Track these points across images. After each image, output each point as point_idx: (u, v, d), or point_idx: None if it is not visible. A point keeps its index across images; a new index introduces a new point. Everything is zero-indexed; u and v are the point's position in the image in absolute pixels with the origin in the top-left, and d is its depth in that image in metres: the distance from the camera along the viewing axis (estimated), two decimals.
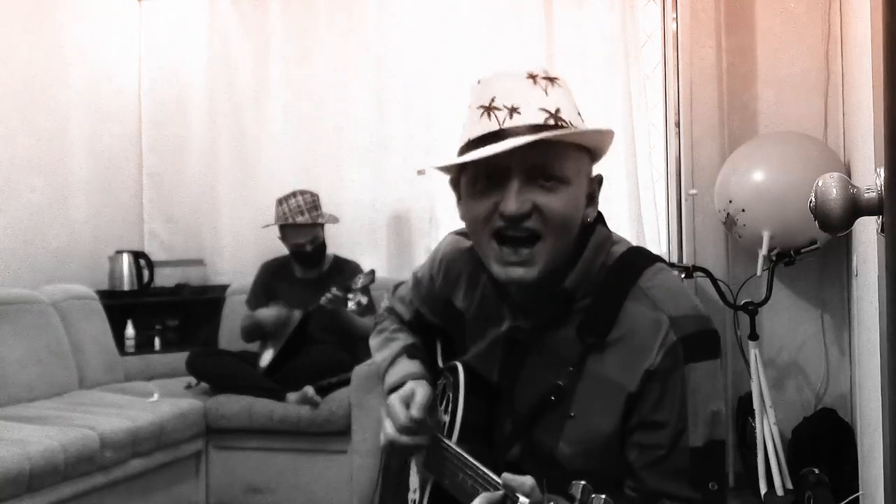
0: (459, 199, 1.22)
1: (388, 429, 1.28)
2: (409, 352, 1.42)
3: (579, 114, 1.16)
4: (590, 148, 1.17)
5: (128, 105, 4.38)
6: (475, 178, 1.14)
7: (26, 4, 3.79)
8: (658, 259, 1.20)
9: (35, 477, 2.51)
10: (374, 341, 1.52)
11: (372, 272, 3.47)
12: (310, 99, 4.20)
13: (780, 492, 2.84)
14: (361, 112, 4.12)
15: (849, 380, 3.42)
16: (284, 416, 3.30)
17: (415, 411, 1.25)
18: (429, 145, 4.00)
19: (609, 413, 1.11)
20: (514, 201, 1.09)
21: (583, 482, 0.89)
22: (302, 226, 3.59)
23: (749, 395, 3.03)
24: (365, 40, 4.12)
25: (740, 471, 3.41)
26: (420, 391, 1.28)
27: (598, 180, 1.21)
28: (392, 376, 1.38)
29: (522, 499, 0.94)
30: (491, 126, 1.11)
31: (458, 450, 1.18)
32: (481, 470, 1.08)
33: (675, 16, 3.49)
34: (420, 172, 3.99)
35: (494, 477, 1.02)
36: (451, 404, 1.27)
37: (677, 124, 3.49)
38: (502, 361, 1.25)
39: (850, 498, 2.72)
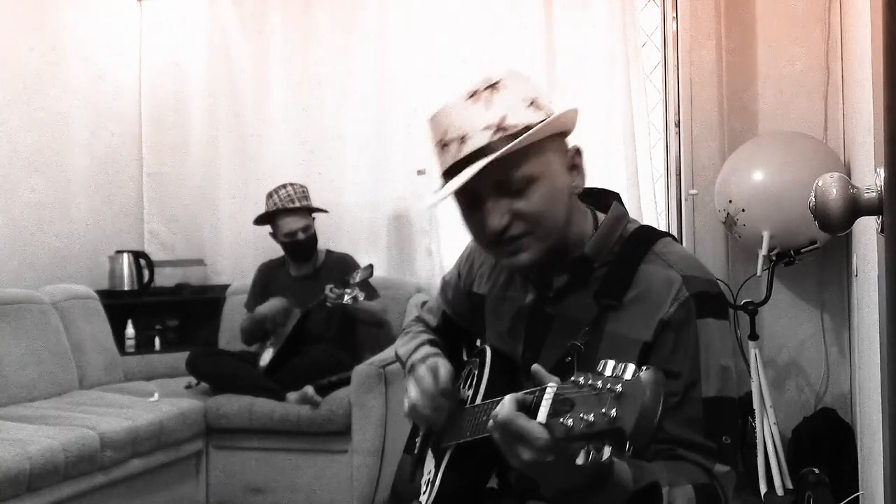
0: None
1: (413, 395, 1.33)
2: (432, 343, 1.49)
3: (533, 102, 1.18)
4: (553, 132, 1.20)
5: (128, 105, 4.38)
6: (461, 207, 1.23)
7: (26, 4, 3.79)
8: (671, 235, 1.29)
9: (35, 477, 2.52)
10: (399, 341, 1.59)
11: (370, 266, 3.47)
12: (310, 98, 4.20)
13: (780, 492, 2.84)
14: (361, 112, 4.12)
15: (849, 380, 3.41)
16: (284, 415, 3.30)
17: (442, 376, 1.31)
18: (429, 145, 3.99)
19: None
20: (491, 219, 1.17)
21: (612, 360, 0.89)
22: (293, 212, 3.61)
23: (749, 395, 3.03)
24: (365, 40, 4.12)
25: (740, 471, 3.41)
26: (443, 365, 1.34)
27: (576, 150, 1.25)
28: (416, 356, 1.43)
29: (549, 387, 0.95)
30: (448, 160, 1.19)
31: (481, 401, 1.24)
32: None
33: (675, 16, 3.49)
34: (420, 172, 4.00)
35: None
36: (475, 380, 1.32)
37: (677, 124, 3.49)
38: (527, 334, 1.30)
39: (850, 498, 2.72)
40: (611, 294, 1.19)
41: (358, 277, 3.39)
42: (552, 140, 1.20)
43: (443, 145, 1.20)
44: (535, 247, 1.19)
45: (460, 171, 1.16)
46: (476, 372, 1.33)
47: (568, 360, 1.18)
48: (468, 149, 1.15)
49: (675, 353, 1.14)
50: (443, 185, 1.22)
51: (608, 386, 0.86)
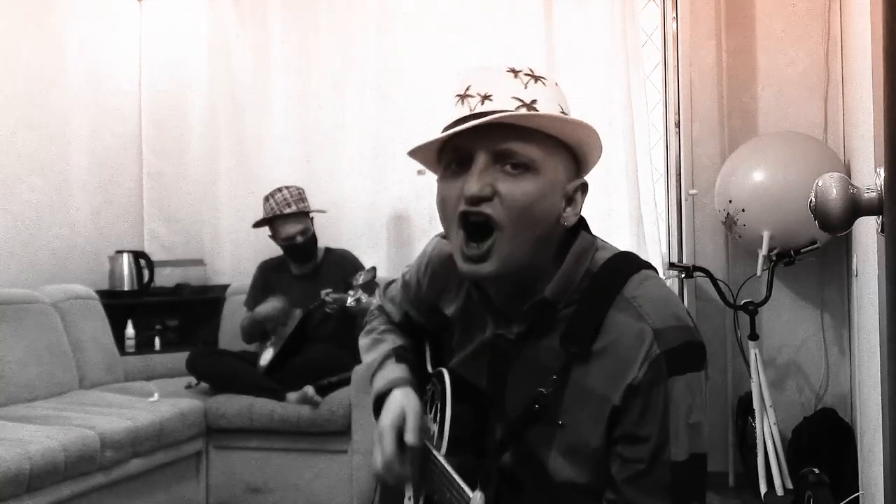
0: None
1: (380, 460, 1.27)
2: (398, 354, 1.41)
3: (564, 112, 1.14)
4: (571, 146, 1.15)
5: (128, 105, 4.38)
6: (448, 164, 1.14)
7: (26, 4, 3.79)
8: (646, 265, 1.17)
9: (35, 477, 2.51)
10: (363, 341, 1.52)
11: (373, 269, 3.47)
12: (310, 98, 4.20)
13: (780, 492, 2.84)
14: (361, 112, 4.12)
15: (849, 380, 3.42)
16: (284, 416, 3.30)
17: (409, 437, 1.25)
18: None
19: (595, 424, 1.10)
20: (475, 182, 1.08)
21: None
22: (291, 217, 3.60)
23: (749, 395, 3.03)
24: (365, 40, 4.12)
25: (740, 471, 3.41)
26: (411, 414, 1.28)
27: (582, 185, 1.18)
28: (379, 380, 1.37)
29: None
30: (463, 112, 1.11)
31: (446, 465, 1.17)
32: (463, 489, 1.09)
33: (675, 16, 3.49)
34: (420, 172, 3.98)
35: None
36: (439, 413, 1.26)
37: (677, 124, 3.49)
38: (489, 368, 1.24)
39: (850, 498, 2.72)
40: (577, 342, 1.11)
41: (361, 280, 3.38)
42: (566, 154, 1.15)
43: (463, 97, 1.12)
44: (499, 257, 1.10)
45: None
46: (438, 403, 1.27)
47: (536, 407, 1.13)
48: (490, 107, 1.09)
49: (643, 418, 1.07)
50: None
51: None
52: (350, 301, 3.32)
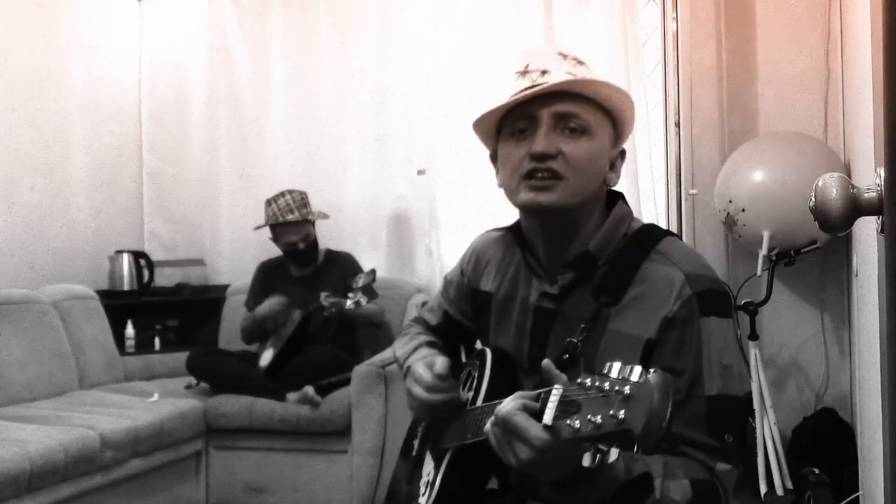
0: (497, 171, 1.34)
1: (416, 390, 1.35)
2: (431, 344, 1.51)
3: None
4: (612, 113, 1.27)
5: (128, 105, 4.38)
6: (511, 131, 1.27)
7: (26, 4, 3.79)
8: (673, 234, 1.31)
9: (35, 477, 2.52)
10: (398, 343, 1.59)
11: (373, 271, 3.47)
12: (310, 98, 4.20)
13: (780, 492, 2.83)
14: (361, 112, 4.12)
15: (849, 380, 3.41)
16: (284, 416, 3.30)
17: (439, 368, 1.33)
18: (429, 145, 4.00)
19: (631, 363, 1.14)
20: (541, 142, 1.21)
21: (618, 362, 0.90)
22: (293, 224, 3.60)
23: (749, 395, 3.03)
24: (365, 40, 4.11)
25: (741, 470, 3.41)
26: (440, 359, 1.36)
27: (622, 153, 1.32)
28: (414, 357, 1.45)
29: (556, 389, 0.94)
30: (525, 84, 1.26)
31: (483, 402, 1.24)
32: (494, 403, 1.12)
33: (675, 16, 3.48)
34: (420, 172, 3.99)
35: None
36: (476, 381, 1.33)
37: (677, 124, 3.49)
38: (532, 331, 1.31)
39: (850, 498, 2.72)
40: (610, 292, 1.21)
41: (360, 283, 3.38)
42: (607, 121, 1.27)
43: (522, 73, 1.27)
44: (562, 193, 1.22)
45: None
46: (476, 374, 1.34)
47: (566, 357, 1.18)
48: (549, 79, 1.23)
49: (678, 351, 1.14)
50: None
51: (616, 388, 0.86)
52: (349, 304, 3.32)
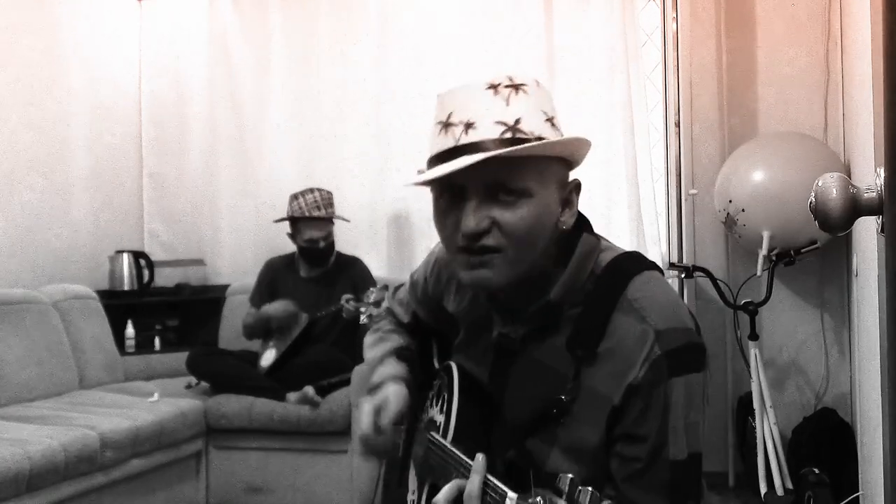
0: None
1: (359, 433, 1.31)
2: (399, 353, 1.43)
3: (550, 119, 1.12)
4: (562, 155, 1.14)
5: (128, 105, 4.38)
6: (438, 196, 1.14)
7: (26, 5, 3.79)
8: (649, 266, 1.17)
9: (35, 477, 2.52)
10: (368, 340, 1.53)
11: (385, 287, 3.45)
12: (310, 99, 4.20)
13: (780, 492, 2.83)
14: (361, 112, 4.12)
15: (849, 380, 3.42)
16: (284, 416, 3.30)
17: (383, 420, 1.28)
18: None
19: (596, 424, 1.10)
20: (471, 219, 1.08)
21: (570, 475, 0.89)
22: (317, 220, 3.60)
23: (749, 395, 3.03)
24: (365, 40, 4.11)
25: (740, 471, 3.41)
26: (394, 400, 1.30)
27: (576, 185, 1.17)
28: (376, 376, 1.39)
29: (510, 494, 0.93)
30: (447, 143, 1.11)
31: (452, 448, 1.17)
32: (464, 459, 1.09)
33: (675, 16, 3.49)
34: (420, 172, 3.99)
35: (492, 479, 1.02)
36: (445, 404, 1.26)
37: (677, 124, 3.49)
38: (492, 367, 1.24)
39: (850, 498, 2.72)
40: (583, 345, 1.11)
41: (373, 297, 3.37)
42: (557, 164, 1.14)
43: (445, 126, 1.11)
44: (502, 269, 1.10)
45: (455, 157, 1.08)
46: (445, 394, 1.27)
47: (554, 412, 1.12)
48: (473, 137, 1.07)
49: (643, 417, 1.07)
50: (428, 168, 1.15)
51: None
52: (363, 319, 3.30)
